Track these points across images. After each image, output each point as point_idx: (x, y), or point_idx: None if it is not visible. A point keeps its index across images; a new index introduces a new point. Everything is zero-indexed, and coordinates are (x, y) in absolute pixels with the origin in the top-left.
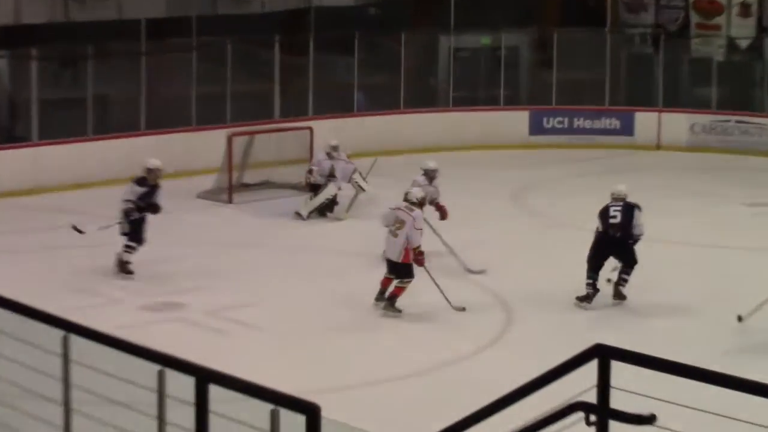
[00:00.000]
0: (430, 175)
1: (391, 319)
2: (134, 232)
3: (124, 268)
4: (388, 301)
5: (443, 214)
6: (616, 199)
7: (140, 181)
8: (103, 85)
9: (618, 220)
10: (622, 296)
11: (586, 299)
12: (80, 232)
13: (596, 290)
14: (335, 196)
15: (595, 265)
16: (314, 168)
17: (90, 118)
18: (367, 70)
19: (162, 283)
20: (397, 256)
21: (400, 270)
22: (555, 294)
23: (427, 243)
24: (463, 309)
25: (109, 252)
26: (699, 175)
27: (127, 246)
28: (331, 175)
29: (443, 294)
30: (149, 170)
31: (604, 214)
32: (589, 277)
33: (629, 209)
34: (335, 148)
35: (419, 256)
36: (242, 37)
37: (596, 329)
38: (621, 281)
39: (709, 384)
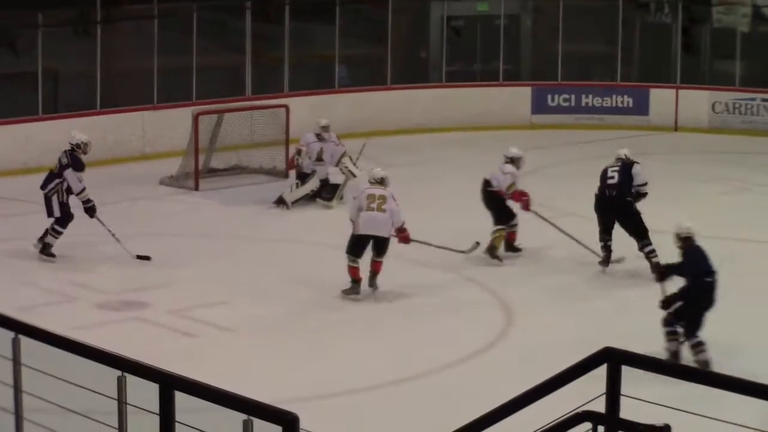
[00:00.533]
0: (517, 164)
1: (378, 320)
2: (68, 216)
3: (48, 251)
4: (372, 279)
5: (526, 203)
6: (618, 160)
7: (80, 165)
8: (53, 58)
9: (615, 180)
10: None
11: (603, 263)
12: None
13: (609, 251)
14: (327, 179)
15: (603, 228)
16: (302, 148)
17: (39, 95)
18: (349, 40)
19: (121, 280)
20: (388, 232)
21: (386, 246)
22: (560, 291)
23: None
24: (477, 244)
25: (60, 243)
26: (721, 159)
27: (58, 232)
28: (319, 159)
29: (446, 248)
30: (84, 144)
31: (603, 175)
32: (600, 239)
33: (627, 167)
34: (325, 129)
35: (405, 233)
36: (209, 2)
37: (605, 331)
38: (649, 255)
39: (728, 391)
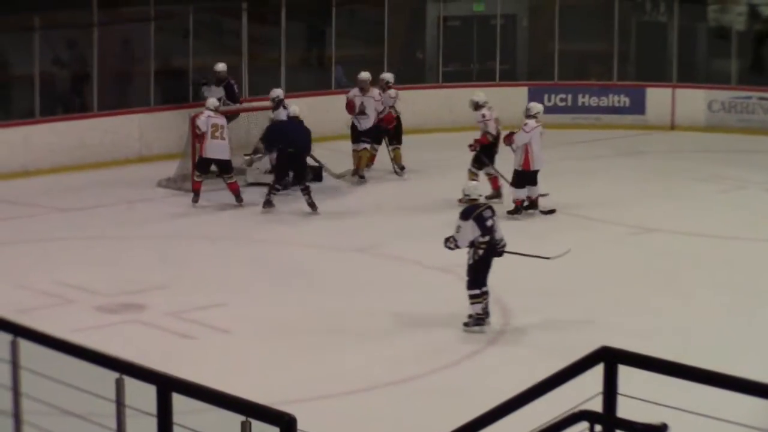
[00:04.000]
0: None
1: (374, 321)
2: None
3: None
4: None
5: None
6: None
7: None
8: (51, 60)
9: None
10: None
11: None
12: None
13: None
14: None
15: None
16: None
17: (37, 97)
18: (346, 41)
19: (120, 282)
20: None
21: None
22: (556, 290)
23: None
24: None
25: (52, 247)
26: (717, 157)
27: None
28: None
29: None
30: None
31: None
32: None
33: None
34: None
35: None
36: (205, 4)
37: (601, 329)
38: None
39: (727, 390)
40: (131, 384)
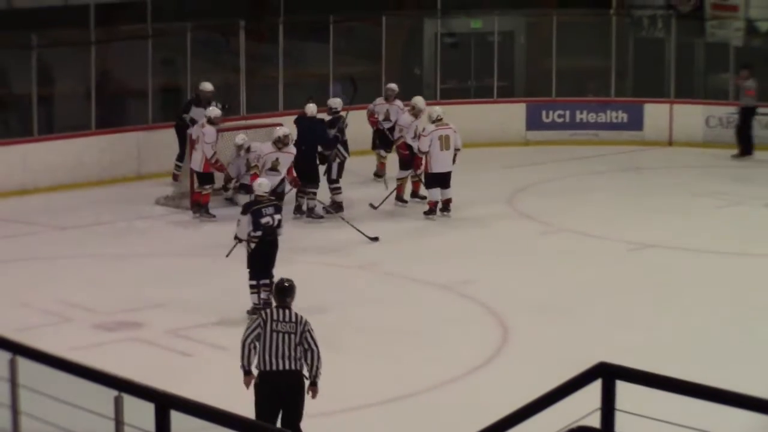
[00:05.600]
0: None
1: (372, 337)
2: None
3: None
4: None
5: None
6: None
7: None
8: (48, 78)
9: None
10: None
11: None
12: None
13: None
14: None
15: None
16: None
17: (35, 115)
18: (343, 58)
19: (118, 300)
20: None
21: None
22: (554, 305)
23: None
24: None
25: (51, 266)
26: (715, 173)
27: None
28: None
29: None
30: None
31: None
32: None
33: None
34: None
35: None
36: (203, 22)
37: (599, 345)
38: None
39: (724, 405)
40: (130, 402)
